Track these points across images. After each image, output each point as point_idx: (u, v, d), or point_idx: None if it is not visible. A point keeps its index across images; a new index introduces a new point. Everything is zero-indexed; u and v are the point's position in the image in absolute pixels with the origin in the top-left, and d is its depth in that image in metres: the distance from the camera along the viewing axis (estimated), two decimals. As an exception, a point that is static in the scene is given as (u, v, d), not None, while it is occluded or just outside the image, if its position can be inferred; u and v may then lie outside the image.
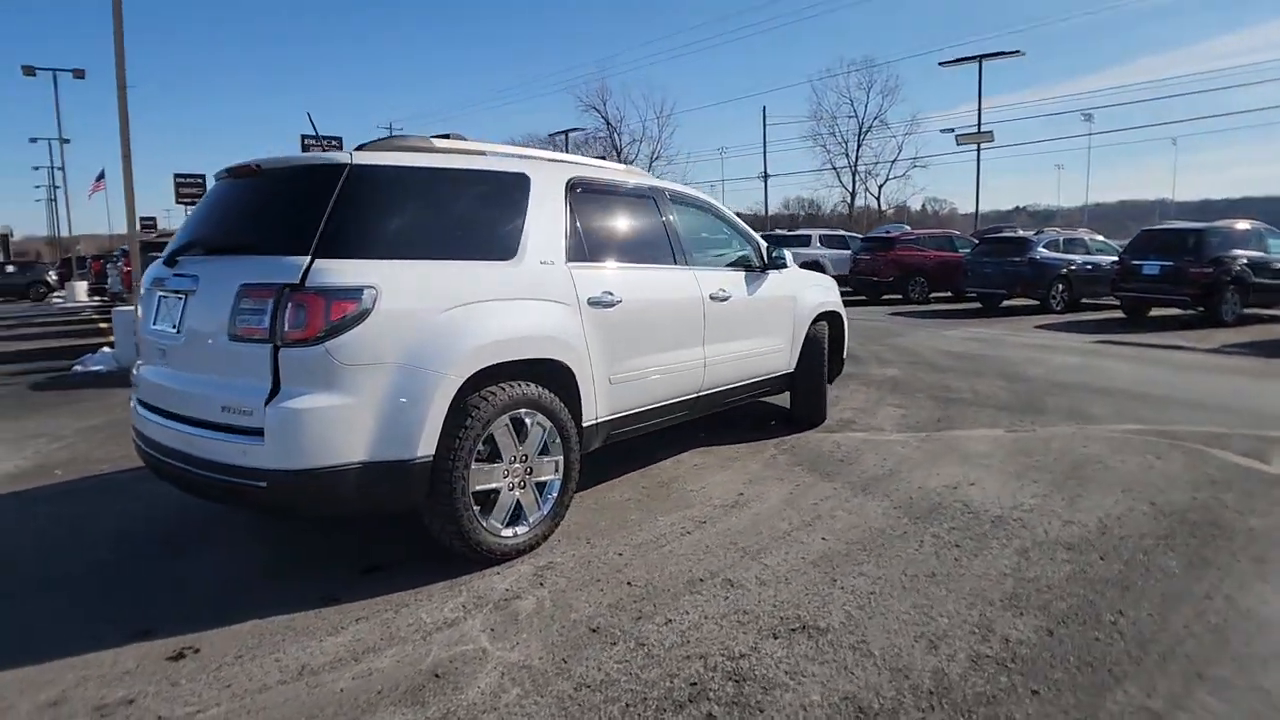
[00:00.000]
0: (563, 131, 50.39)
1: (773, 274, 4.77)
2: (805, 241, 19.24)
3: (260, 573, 3.01)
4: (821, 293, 5.31)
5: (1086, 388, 6.56)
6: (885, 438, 4.97)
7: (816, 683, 2.16)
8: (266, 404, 2.48)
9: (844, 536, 3.26)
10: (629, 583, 2.83)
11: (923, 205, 60.81)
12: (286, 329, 2.49)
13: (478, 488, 2.89)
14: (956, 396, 6.29)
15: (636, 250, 3.83)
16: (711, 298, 4.11)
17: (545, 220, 3.28)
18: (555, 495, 3.20)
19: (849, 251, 18.16)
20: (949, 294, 16.05)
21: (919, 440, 4.88)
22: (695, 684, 2.17)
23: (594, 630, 2.48)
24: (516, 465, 3.04)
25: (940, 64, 26.87)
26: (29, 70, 24.53)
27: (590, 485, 3.98)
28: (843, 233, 20.54)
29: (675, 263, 3.99)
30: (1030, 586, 2.76)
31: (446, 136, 3.34)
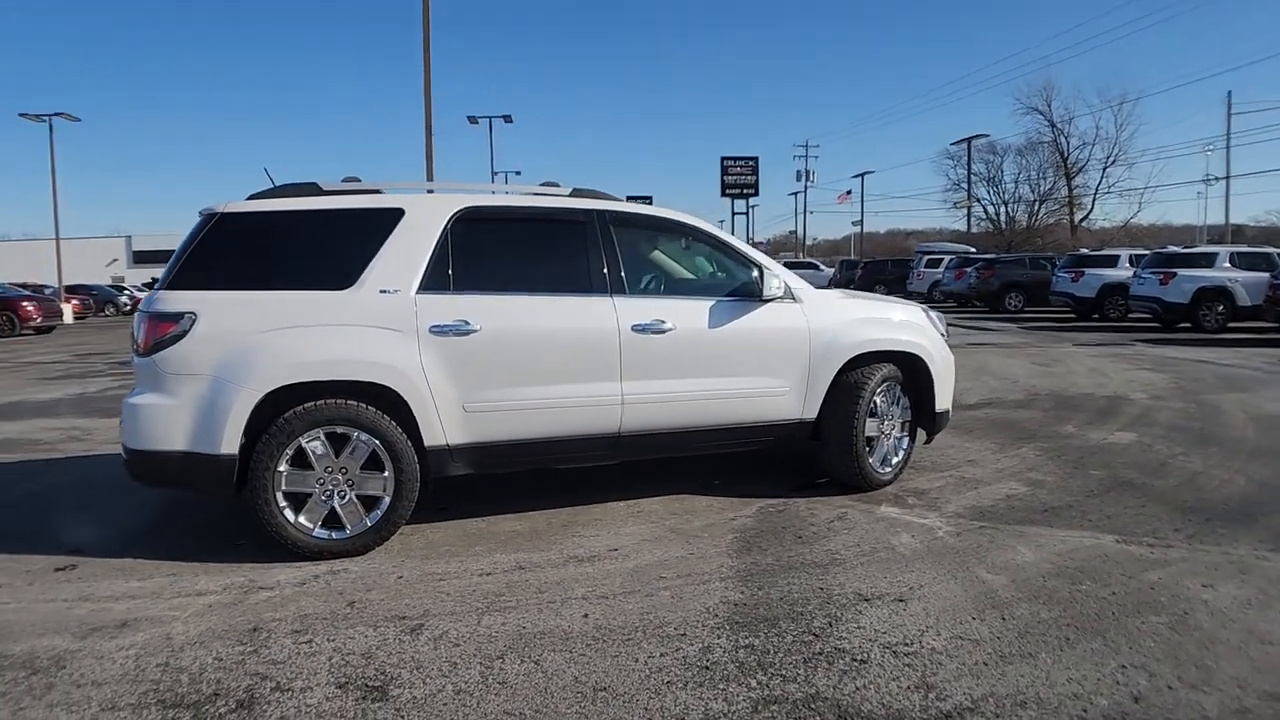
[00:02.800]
0: (963, 140, 45.82)
1: (775, 303, 4.06)
2: (1209, 260, 14.40)
3: (182, 527, 3.90)
4: (873, 328, 4.27)
5: None
6: (914, 520, 3.80)
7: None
8: None
9: (612, 620, 2.76)
10: (353, 603, 2.92)
11: None
12: (138, 344, 3.28)
13: (289, 489, 3.29)
14: (1145, 482, 4.35)
15: (535, 278, 3.74)
16: (635, 329, 3.75)
17: (403, 252, 3.51)
18: (383, 510, 3.42)
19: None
20: None
21: (954, 533, 3.61)
22: (214, 690, 2.24)
23: (253, 630, 2.69)
24: (337, 475, 3.35)
25: None
26: (473, 119, 32.84)
27: (506, 510, 4.02)
28: (1271, 250, 14.66)
29: (593, 290, 3.76)
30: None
31: (352, 180, 3.81)
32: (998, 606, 2.80)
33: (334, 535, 3.37)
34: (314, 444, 3.31)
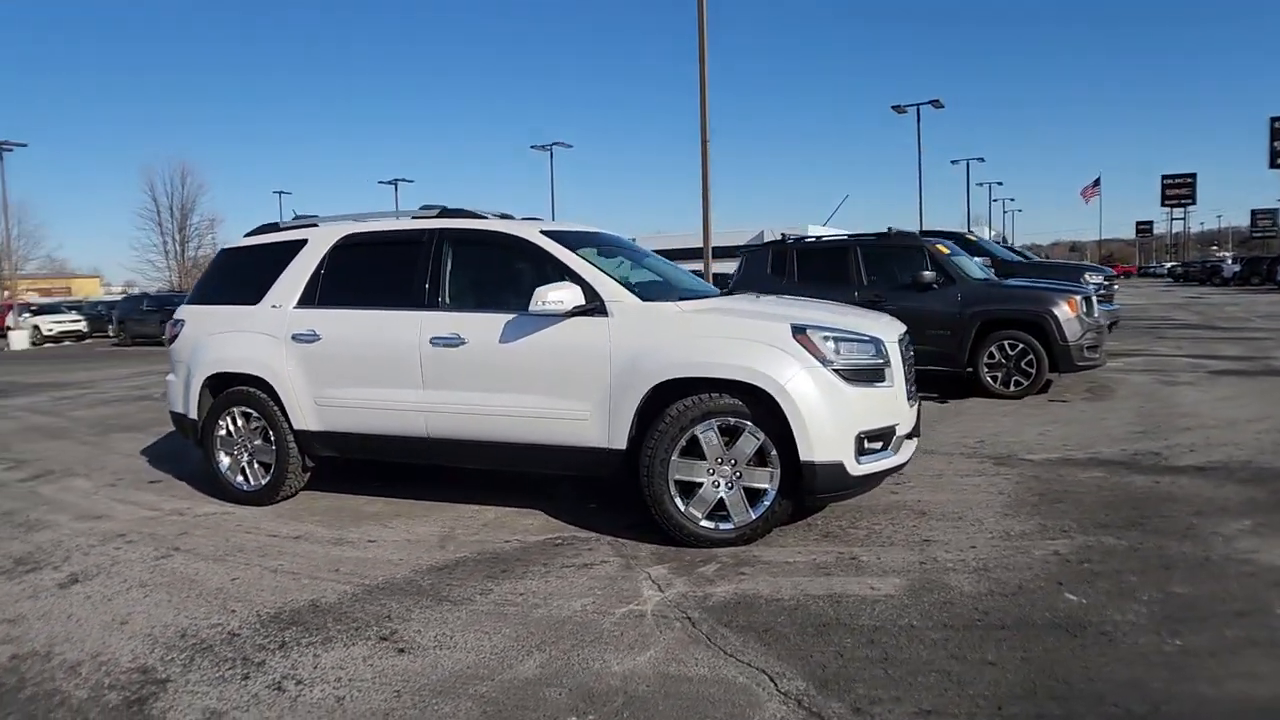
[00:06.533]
0: None
1: (576, 319, 3.80)
2: None
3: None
4: (697, 351, 3.61)
5: None
6: (642, 589, 3.26)
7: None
8: None
9: (237, 586, 3.39)
10: (183, 533, 4.15)
11: None
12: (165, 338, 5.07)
13: (223, 449, 4.69)
14: (1130, 638, 2.66)
15: (379, 294, 4.34)
16: (433, 341, 4.04)
17: (294, 274, 4.54)
18: (271, 474, 4.56)
19: None
20: None
21: (633, 614, 3.03)
22: (43, 555, 3.67)
23: (120, 535, 4.14)
24: (247, 444, 4.63)
25: None
26: (899, 109, 31.69)
27: (404, 496, 4.67)
28: None
29: (410, 304, 4.19)
30: None
31: (306, 217, 4.91)
32: (426, 701, 2.45)
33: (245, 487, 4.68)
34: (230, 420, 4.64)
